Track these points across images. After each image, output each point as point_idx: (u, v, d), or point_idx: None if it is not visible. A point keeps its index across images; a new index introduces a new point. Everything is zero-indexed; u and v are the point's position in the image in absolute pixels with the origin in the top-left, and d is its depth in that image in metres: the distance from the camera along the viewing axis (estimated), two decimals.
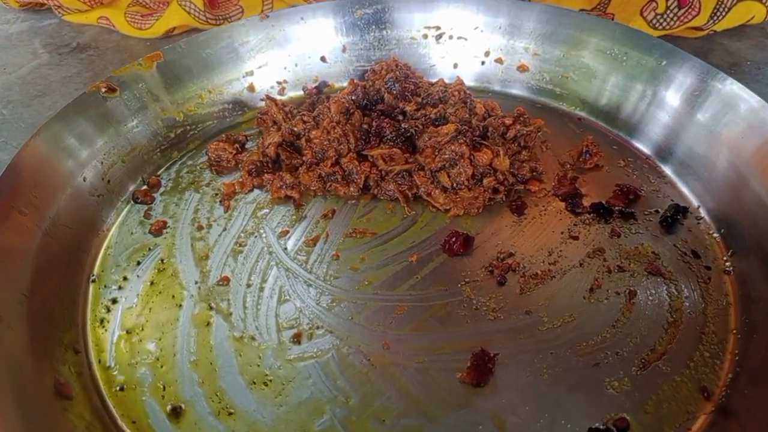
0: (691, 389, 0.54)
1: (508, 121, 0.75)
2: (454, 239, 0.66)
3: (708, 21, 0.98)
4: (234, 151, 0.78)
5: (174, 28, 1.04)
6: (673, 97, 0.77)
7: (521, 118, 0.76)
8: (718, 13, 0.98)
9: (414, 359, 0.57)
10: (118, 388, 0.55)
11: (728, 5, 0.98)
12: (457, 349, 0.57)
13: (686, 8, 0.96)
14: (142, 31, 1.05)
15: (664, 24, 0.98)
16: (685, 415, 0.52)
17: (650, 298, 0.62)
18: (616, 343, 0.58)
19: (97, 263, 0.66)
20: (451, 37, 0.90)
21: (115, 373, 0.57)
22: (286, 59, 0.89)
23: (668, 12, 0.97)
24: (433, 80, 0.83)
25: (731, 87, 0.70)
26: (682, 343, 0.58)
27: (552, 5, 0.86)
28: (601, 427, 0.52)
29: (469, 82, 0.87)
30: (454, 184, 0.71)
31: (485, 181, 0.71)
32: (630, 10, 0.98)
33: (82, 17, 1.11)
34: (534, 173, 0.75)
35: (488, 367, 0.56)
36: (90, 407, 0.54)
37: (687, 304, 0.61)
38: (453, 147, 0.70)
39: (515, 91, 0.89)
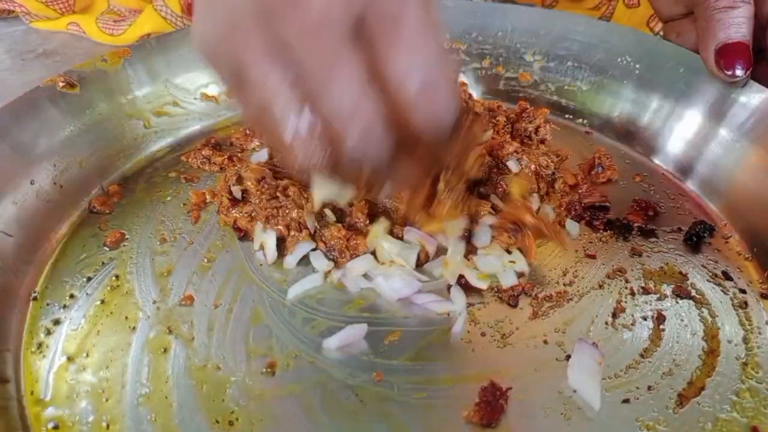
0: (739, 430, 0.46)
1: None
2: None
3: None
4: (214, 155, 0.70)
5: (149, 35, 0.96)
6: (693, 109, 0.70)
7: (524, 114, 0.70)
8: None
9: (411, 394, 0.48)
10: (51, 425, 0.46)
11: None
12: (461, 383, 0.49)
13: None
14: (114, 37, 0.98)
15: None
16: None
17: (681, 323, 0.54)
18: (646, 375, 0.50)
19: (41, 278, 0.57)
20: None
21: (50, 407, 0.47)
22: None
23: None
24: None
25: (759, 96, 0.64)
26: (723, 375, 0.50)
27: (557, 10, 0.80)
28: None
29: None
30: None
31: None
32: (636, 21, 0.92)
33: (50, 24, 1.03)
34: None
35: (499, 404, 0.47)
36: None
37: (723, 331, 0.53)
38: None
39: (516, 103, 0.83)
